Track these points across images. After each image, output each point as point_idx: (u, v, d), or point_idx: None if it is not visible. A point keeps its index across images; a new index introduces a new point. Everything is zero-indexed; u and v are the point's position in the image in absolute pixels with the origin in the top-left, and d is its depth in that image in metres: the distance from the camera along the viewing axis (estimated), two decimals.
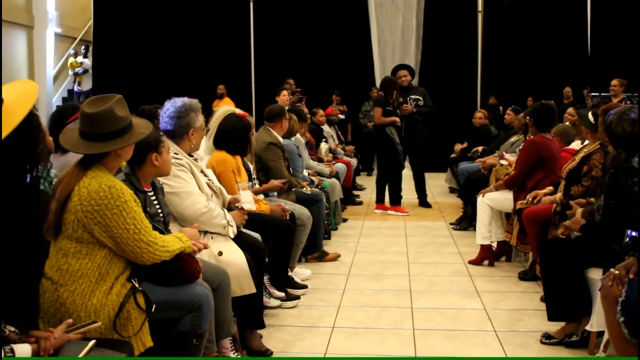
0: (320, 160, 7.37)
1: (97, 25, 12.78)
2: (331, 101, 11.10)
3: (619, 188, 3.12)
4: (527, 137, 5.41)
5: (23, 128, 1.86)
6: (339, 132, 9.85)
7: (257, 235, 3.78)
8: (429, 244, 6.01)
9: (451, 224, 6.83)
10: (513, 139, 7.02)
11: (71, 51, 13.09)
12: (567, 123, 6.26)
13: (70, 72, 13.05)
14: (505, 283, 4.76)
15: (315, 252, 5.34)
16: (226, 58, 12.34)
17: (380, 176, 7.62)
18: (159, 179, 3.06)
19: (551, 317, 3.55)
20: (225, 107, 4.44)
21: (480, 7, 12.23)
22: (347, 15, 12.23)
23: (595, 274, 3.25)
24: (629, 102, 7.99)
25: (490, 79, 12.19)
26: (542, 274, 3.69)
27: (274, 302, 4.08)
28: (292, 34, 12.25)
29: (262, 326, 3.59)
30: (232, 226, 3.46)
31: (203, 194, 3.40)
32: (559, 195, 4.32)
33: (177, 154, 3.38)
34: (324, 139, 8.14)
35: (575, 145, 5.18)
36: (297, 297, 4.29)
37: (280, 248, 4.17)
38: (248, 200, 3.74)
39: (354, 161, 8.89)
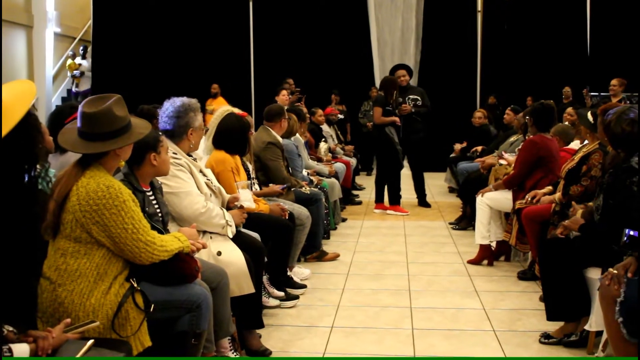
0: (319, 159, 7.37)
1: (97, 25, 12.77)
2: (330, 101, 11.10)
3: (618, 188, 3.11)
4: (527, 137, 5.41)
5: (21, 128, 1.85)
6: (338, 132, 9.86)
7: (256, 235, 3.77)
8: (428, 244, 6.01)
9: (450, 223, 6.83)
10: (512, 139, 7.02)
11: (69, 52, 13.08)
12: (567, 123, 6.26)
13: (69, 74, 13.05)
14: (504, 283, 4.76)
15: (314, 252, 5.34)
16: (225, 57, 12.33)
17: (379, 176, 7.62)
18: (158, 178, 3.06)
19: (550, 317, 3.56)
20: (224, 107, 4.43)
21: (479, 6, 12.23)
22: (347, 14, 12.23)
23: (594, 274, 3.25)
24: (628, 101, 8.00)
25: (489, 78, 12.20)
26: (541, 273, 3.69)
27: (272, 302, 4.08)
28: (292, 34, 12.24)
29: (261, 326, 3.59)
30: (230, 226, 3.46)
31: (202, 194, 3.40)
32: (558, 194, 4.32)
33: (176, 153, 3.38)
34: (323, 139, 8.14)
35: (575, 145, 5.19)
36: (296, 297, 4.29)
37: (279, 248, 4.17)
38: (247, 199, 3.73)
39: (353, 161, 8.89)
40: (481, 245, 5.26)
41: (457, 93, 11.93)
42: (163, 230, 2.83)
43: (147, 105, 4.85)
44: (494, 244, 5.30)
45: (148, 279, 2.55)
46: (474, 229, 5.56)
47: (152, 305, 2.46)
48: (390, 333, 3.74)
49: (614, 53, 11.26)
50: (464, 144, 8.66)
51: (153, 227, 2.61)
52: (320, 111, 8.57)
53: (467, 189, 6.39)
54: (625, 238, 2.89)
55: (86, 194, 2.36)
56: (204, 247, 2.87)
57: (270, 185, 4.81)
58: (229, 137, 4.20)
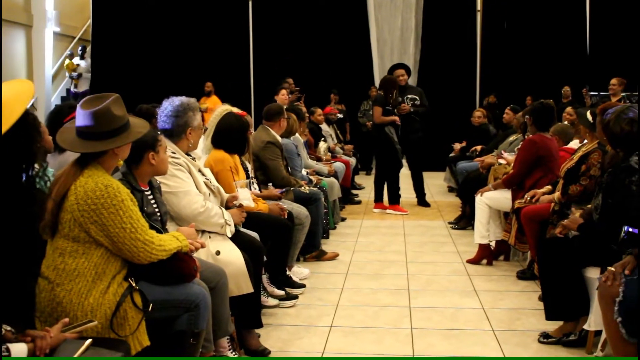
0: (318, 159, 7.36)
1: (96, 24, 12.77)
2: (329, 100, 11.09)
3: (616, 187, 3.11)
4: (526, 136, 5.41)
5: (19, 127, 1.85)
6: (338, 131, 9.85)
7: (255, 235, 3.77)
8: (428, 243, 6.01)
9: (450, 223, 6.83)
10: (511, 138, 7.03)
11: (67, 52, 13.07)
12: (566, 122, 6.26)
13: (67, 75, 13.04)
14: (504, 282, 4.75)
15: (313, 251, 5.34)
16: (225, 57, 12.33)
17: (378, 175, 7.62)
18: (157, 178, 3.06)
19: (549, 317, 3.55)
20: (223, 107, 4.43)
21: (479, 6, 12.23)
22: (346, 14, 12.22)
23: (593, 273, 3.24)
24: (628, 101, 7.99)
25: (489, 78, 12.19)
26: (540, 273, 3.69)
27: (271, 302, 4.08)
28: (291, 33, 12.24)
29: (260, 325, 3.58)
30: (229, 225, 3.46)
31: (200, 194, 3.40)
32: (557, 194, 4.32)
33: (174, 153, 3.38)
34: (322, 138, 8.13)
35: (574, 144, 5.19)
36: (295, 297, 4.29)
37: (279, 247, 4.17)
38: (246, 198, 3.73)
39: (352, 160, 8.88)
40: (480, 245, 5.26)
41: (456, 92, 11.93)
42: (162, 229, 2.83)
43: (146, 104, 4.84)
44: (493, 244, 5.30)
45: (146, 279, 2.55)
46: (473, 228, 5.56)
47: (151, 305, 2.46)
48: (390, 332, 3.74)
49: (613, 52, 11.26)
50: (463, 144, 8.66)
51: (151, 227, 2.61)
52: (319, 110, 8.56)
53: (467, 189, 6.39)
54: (623, 234, 2.88)
55: (84, 193, 2.36)
56: (203, 246, 2.86)
57: (270, 187, 4.81)
58: (228, 137, 4.20)
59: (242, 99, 11.76)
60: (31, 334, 2.03)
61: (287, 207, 4.42)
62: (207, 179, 3.58)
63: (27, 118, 1.93)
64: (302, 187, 5.30)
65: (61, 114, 3.37)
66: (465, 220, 6.61)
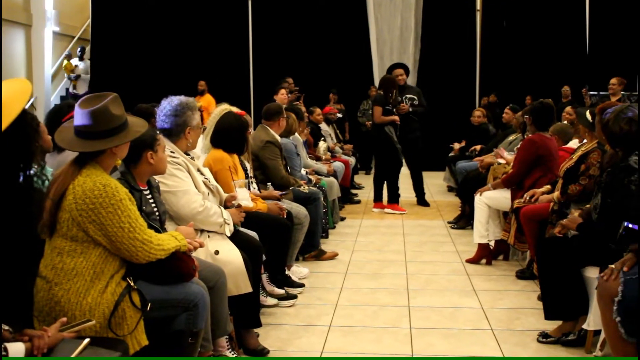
0: (318, 158, 7.36)
1: (95, 24, 12.76)
2: (329, 100, 11.09)
3: (616, 187, 3.11)
4: (525, 136, 5.41)
5: (17, 126, 1.85)
6: (337, 131, 9.85)
7: (254, 234, 3.77)
8: (427, 243, 6.01)
9: (449, 222, 6.83)
10: (511, 138, 7.03)
11: (66, 53, 13.06)
12: (565, 122, 6.26)
13: (65, 75, 13.04)
14: (503, 282, 4.75)
15: (312, 251, 5.34)
16: (224, 56, 12.33)
17: (378, 175, 7.62)
18: (155, 177, 3.06)
19: (548, 316, 3.55)
20: (222, 106, 4.42)
21: (478, 5, 12.23)
22: (346, 13, 12.23)
23: (592, 273, 3.24)
24: (627, 100, 7.99)
25: (488, 77, 12.20)
26: (539, 272, 3.69)
27: (270, 301, 4.08)
28: (291, 33, 12.24)
29: (259, 325, 3.58)
30: (228, 224, 3.46)
31: (199, 193, 3.39)
32: (556, 194, 4.32)
33: (173, 152, 3.38)
34: (322, 138, 8.13)
35: (573, 144, 5.18)
36: (295, 296, 4.29)
37: (277, 247, 4.16)
38: (245, 197, 3.73)
39: (352, 160, 8.88)
40: (480, 244, 5.26)
41: (456, 92, 11.94)
42: (160, 229, 2.83)
43: (145, 104, 4.84)
44: (492, 243, 5.30)
45: (145, 278, 2.54)
46: (472, 228, 5.57)
47: (149, 304, 2.45)
48: (389, 332, 3.74)
49: (613, 52, 11.26)
50: (463, 143, 8.66)
51: (150, 226, 2.60)
52: (318, 110, 8.56)
53: (466, 188, 6.39)
54: (622, 230, 2.87)
55: (82, 192, 2.35)
56: (201, 246, 2.86)
57: (270, 188, 4.81)
58: (227, 136, 4.19)
59: (241, 98, 11.75)
60: (29, 333, 2.03)
61: (286, 206, 4.42)
62: (206, 179, 3.58)
63: (25, 117, 1.92)
64: (302, 187, 5.30)
65: (60, 113, 3.36)
66: (464, 220, 6.61)
